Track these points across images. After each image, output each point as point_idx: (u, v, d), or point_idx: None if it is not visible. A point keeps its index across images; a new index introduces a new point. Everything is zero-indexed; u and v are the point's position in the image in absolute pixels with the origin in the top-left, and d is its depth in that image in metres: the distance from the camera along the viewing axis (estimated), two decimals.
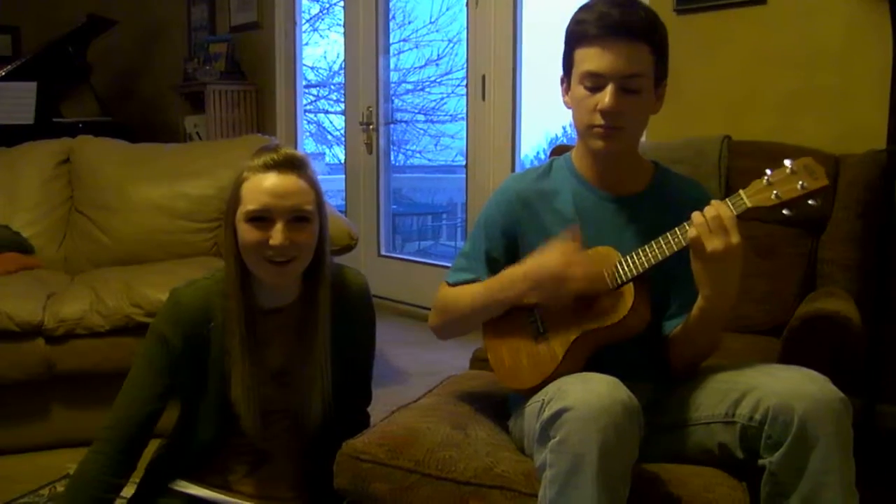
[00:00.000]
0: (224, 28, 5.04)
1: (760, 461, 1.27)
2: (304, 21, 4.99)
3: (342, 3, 4.67)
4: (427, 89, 6.55)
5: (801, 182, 1.26)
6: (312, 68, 7.30)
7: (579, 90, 1.42)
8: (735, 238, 1.28)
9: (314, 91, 7.69)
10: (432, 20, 6.50)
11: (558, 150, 2.27)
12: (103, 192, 3.08)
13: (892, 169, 2.23)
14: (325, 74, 7.60)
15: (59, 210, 3.11)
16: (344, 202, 4.74)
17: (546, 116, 5.05)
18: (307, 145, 6.10)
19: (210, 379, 1.52)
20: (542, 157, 5.14)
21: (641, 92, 1.40)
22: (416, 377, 3.15)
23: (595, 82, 1.39)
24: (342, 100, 4.88)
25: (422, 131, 6.81)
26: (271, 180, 1.43)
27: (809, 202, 1.27)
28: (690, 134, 2.57)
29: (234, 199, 1.46)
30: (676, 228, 1.34)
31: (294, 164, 1.46)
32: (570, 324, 1.41)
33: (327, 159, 7.99)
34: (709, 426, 1.36)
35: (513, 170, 3.71)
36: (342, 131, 5.25)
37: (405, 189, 6.70)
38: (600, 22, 1.38)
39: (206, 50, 4.90)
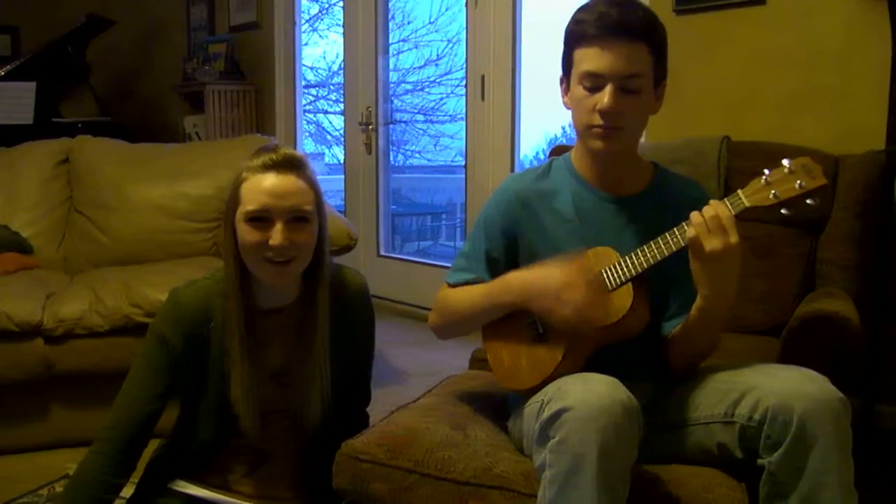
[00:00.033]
0: (223, 28, 5.04)
1: (759, 461, 1.28)
2: (303, 21, 4.99)
3: (341, 4, 4.67)
4: (426, 89, 6.54)
5: (799, 181, 1.26)
6: (312, 68, 7.30)
7: (578, 90, 1.42)
8: (733, 238, 1.28)
9: (313, 91, 7.68)
10: (431, 20, 6.49)
11: (558, 151, 2.27)
12: (103, 192, 3.08)
13: (892, 169, 2.23)
14: (324, 74, 7.60)
15: (58, 210, 3.11)
16: (343, 202, 4.73)
17: (545, 117, 5.05)
18: (306, 145, 6.08)
19: (210, 379, 1.52)
20: (542, 157, 5.14)
21: (641, 92, 1.40)
22: (415, 377, 3.15)
23: (594, 82, 1.40)
24: (341, 100, 4.88)
25: (421, 131, 6.80)
26: (270, 180, 1.43)
27: (808, 201, 1.27)
28: (690, 134, 2.57)
29: (234, 199, 1.46)
30: (675, 228, 1.34)
31: (293, 165, 1.46)
32: None
33: (326, 159, 7.99)
34: (708, 426, 1.36)
35: (512, 170, 3.71)
36: (341, 131, 5.24)
37: (404, 189, 6.69)
38: (599, 22, 1.38)
39: (205, 50, 4.90)
